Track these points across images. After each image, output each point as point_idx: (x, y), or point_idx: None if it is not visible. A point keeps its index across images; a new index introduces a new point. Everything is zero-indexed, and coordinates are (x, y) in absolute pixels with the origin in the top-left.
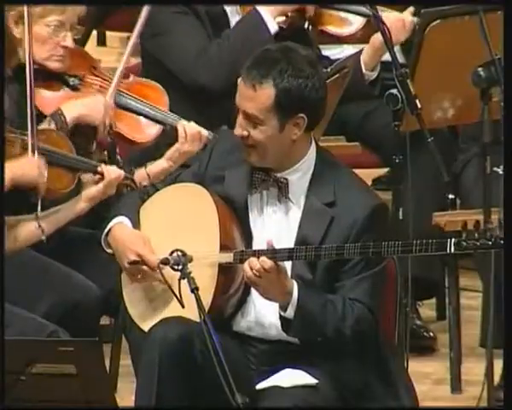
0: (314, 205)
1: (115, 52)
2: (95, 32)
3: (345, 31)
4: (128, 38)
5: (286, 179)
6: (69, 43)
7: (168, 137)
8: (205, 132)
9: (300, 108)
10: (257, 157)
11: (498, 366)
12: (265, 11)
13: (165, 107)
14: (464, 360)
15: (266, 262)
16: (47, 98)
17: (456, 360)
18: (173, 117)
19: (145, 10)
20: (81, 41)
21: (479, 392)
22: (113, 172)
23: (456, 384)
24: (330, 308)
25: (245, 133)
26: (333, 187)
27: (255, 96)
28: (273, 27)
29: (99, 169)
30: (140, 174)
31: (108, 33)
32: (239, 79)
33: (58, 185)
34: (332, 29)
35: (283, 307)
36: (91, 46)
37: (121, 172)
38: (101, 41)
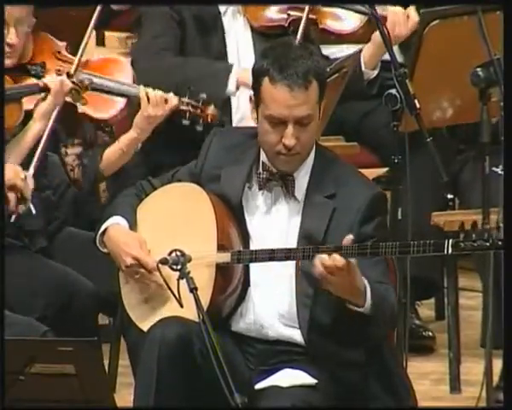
0: (315, 199)
1: (114, 52)
2: (94, 33)
3: (345, 28)
4: (127, 38)
5: (292, 177)
6: (13, 40)
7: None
8: (170, 96)
9: (325, 85)
10: (298, 161)
11: (497, 366)
12: (235, 73)
13: (129, 78)
14: (463, 360)
15: (338, 260)
16: None
17: (455, 360)
18: (136, 87)
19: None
20: (80, 41)
21: (478, 392)
22: (55, 79)
23: (455, 384)
24: (385, 295)
25: (296, 141)
26: (333, 180)
27: (307, 96)
28: (231, 90)
29: (41, 84)
30: (114, 148)
31: (107, 33)
32: (271, 91)
33: (10, 121)
34: (332, 26)
35: (359, 304)
36: (90, 46)
37: (64, 78)
38: (100, 41)
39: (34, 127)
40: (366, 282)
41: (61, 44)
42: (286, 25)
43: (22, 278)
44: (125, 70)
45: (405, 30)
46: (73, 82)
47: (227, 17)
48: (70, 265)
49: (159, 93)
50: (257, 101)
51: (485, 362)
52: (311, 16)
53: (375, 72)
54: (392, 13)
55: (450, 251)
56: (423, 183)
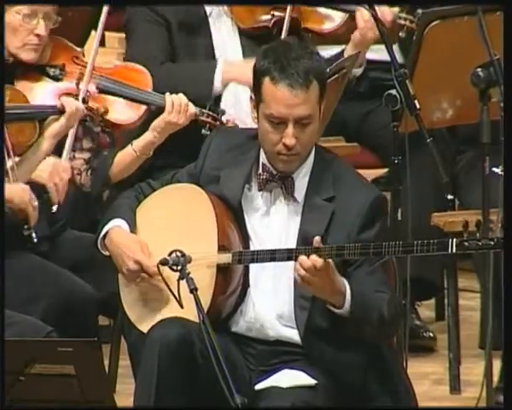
0: (315, 202)
1: (114, 52)
2: (94, 33)
3: (325, 27)
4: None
5: (291, 178)
6: (42, 31)
7: (154, 117)
8: (192, 108)
9: (325, 86)
10: (298, 161)
11: (497, 366)
12: (220, 70)
13: (148, 87)
14: (463, 361)
15: (318, 261)
16: (35, 91)
17: (455, 361)
18: (158, 96)
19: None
20: (80, 42)
21: (478, 392)
22: (72, 103)
23: (455, 385)
24: (372, 299)
25: (296, 141)
26: (332, 182)
27: (308, 96)
28: (217, 88)
29: (58, 105)
30: (126, 152)
31: (107, 34)
32: (271, 91)
33: (21, 139)
34: (314, 27)
35: (338, 305)
36: (90, 46)
37: (81, 105)
38: (101, 41)
39: (42, 146)
40: (347, 284)
41: (79, 50)
42: (270, 25)
43: (23, 280)
44: (146, 79)
45: (374, 34)
46: (88, 108)
47: (212, 18)
48: (72, 267)
49: (184, 100)
50: (257, 100)
51: (485, 363)
52: (293, 15)
53: (360, 70)
54: (362, 20)
55: (454, 250)
56: (423, 183)
